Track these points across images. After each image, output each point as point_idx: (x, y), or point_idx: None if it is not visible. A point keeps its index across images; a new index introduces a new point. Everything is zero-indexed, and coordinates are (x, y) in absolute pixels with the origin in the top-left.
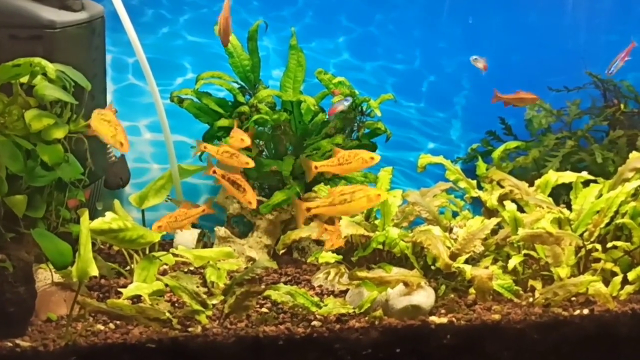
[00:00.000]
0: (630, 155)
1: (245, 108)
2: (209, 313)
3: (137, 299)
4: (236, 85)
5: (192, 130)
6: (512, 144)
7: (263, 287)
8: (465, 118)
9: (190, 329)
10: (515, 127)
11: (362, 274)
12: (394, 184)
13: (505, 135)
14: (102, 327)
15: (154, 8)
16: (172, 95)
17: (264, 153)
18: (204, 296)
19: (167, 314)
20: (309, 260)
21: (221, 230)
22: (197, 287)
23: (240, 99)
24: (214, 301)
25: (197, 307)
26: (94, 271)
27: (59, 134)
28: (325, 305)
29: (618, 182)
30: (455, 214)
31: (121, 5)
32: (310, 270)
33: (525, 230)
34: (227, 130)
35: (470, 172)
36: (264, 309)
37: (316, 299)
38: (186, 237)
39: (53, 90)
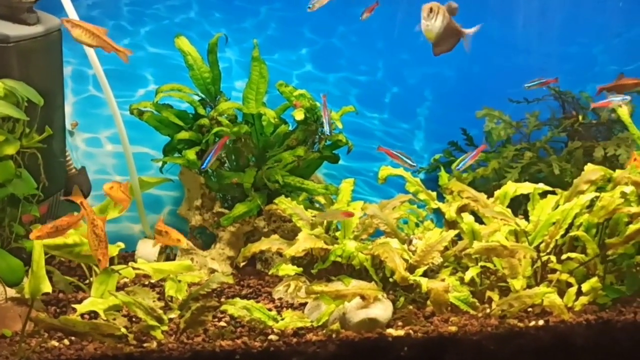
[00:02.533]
0: (586, 167)
1: (205, 121)
2: (165, 328)
3: (95, 314)
4: (197, 98)
5: (154, 142)
6: None
7: (219, 301)
8: (428, 129)
9: (145, 345)
10: (477, 138)
11: (319, 287)
12: (358, 195)
13: (467, 146)
14: (56, 344)
15: (115, 19)
16: (131, 107)
17: (225, 165)
18: (160, 311)
19: (123, 330)
20: (270, 272)
21: (184, 243)
22: (154, 301)
23: (201, 111)
24: (172, 315)
25: (152, 322)
26: (47, 288)
27: (10, 150)
28: (283, 319)
29: (573, 194)
30: (418, 225)
31: (75, 16)
32: (272, 282)
33: (480, 243)
34: (188, 143)
35: (433, 182)
36: (222, 323)
37: (273, 312)
38: (148, 250)
39: (3, 107)
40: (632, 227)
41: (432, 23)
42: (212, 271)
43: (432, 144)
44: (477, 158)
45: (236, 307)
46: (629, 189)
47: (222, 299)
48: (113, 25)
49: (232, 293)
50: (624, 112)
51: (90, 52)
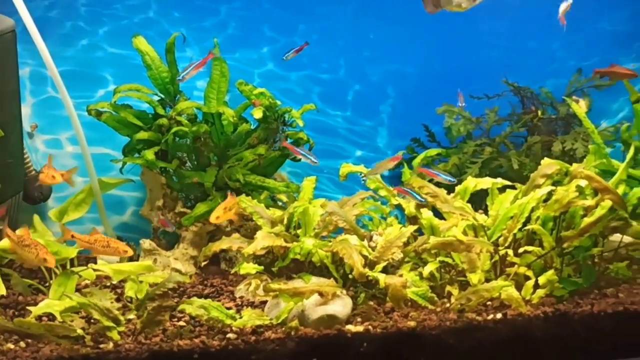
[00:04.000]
0: (542, 161)
1: (164, 120)
2: (122, 329)
3: (54, 316)
4: (156, 98)
5: (115, 143)
6: (433, 152)
7: (175, 301)
8: (391, 126)
9: (102, 346)
10: (439, 134)
11: (276, 286)
12: (323, 192)
13: (429, 142)
14: (12, 346)
15: (73, 20)
16: (89, 108)
17: (186, 164)
18: (116, 312)
19: (80, 331)
20: (232, 271)
21: (146, 243)
22: (112, 302)
23: (160, 111)
24: (131, 316)
25: (108, 323)
26: (2, 291)
27: None
28: (241, 318)
29: (530, 188)
30: (383, 221)
31: (29, 18)
32: (236, 281)
33: (437, 238)
34: (147, 143)
35: (397, 178)
36: (181, 323)
37: (232, 311)
38: None
39: None
40: (586, 220)
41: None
42: (176, 271)
43: (396, 140)
44: (391, 167)
45: (193, 307)
46: (584, 182)
47: (184, 299)
48: (71, 26)
49: (194, 292)
50: (577, 107)
51: (45, 53)
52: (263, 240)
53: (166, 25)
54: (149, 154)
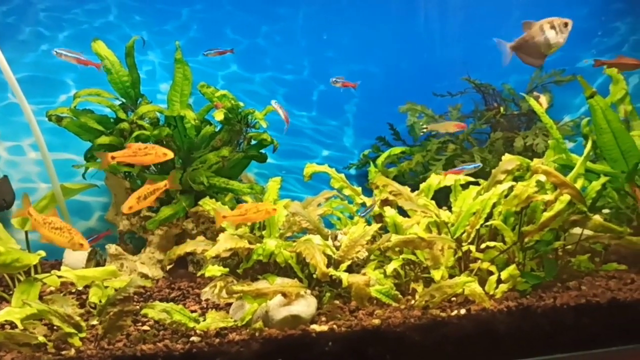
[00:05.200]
0: (503, 157)
1: (125, 125)
2: (83, 335)
3: (15, 324)
4: (118, 102)
5: (79, 148)
6: (397, 150)
7: (139, 306)
8: (356, 125)
9: (63, 352)
10: (404, 133)
11: (239, 287)
12: (290, 192)
13: (394, 141)
14: None
15: (32, 26)
16: (49, 114)
17: (150, 168)
18: (78, 318)
19: (41, 338)
20: (199, 274)
21: (112, 248)
22: (74, 308)
23: (122, 115)
24: (94, 322)
25: (70, 329)
26: None
27: None
28: (204, 320)
29: (492, 184)
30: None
31: None
32: (204, 284)
33: (398, 236)
34: (109, 148)
35: (364, 177)
36: (145, 327)
37: (195, 314)
38: (76, 257)
39: None
40: (546, 215)
41: (563, 36)
42: (142, 275)
43: (362, 139)
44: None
45: (156, 311)
46: (544, 177)
47: (149, 303)
48: (30, 32)
49: (160, 296)
50: (535, 103)
51: (0, 58)
52: (226, 242)
53: (127, 29)
54: None
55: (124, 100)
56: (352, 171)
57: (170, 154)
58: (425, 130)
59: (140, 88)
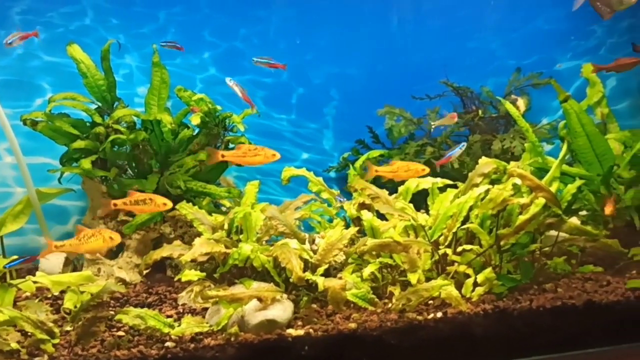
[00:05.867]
0: (480, 160)
1: (101, 129)
2: (57, 341)
3: None
4: (94, 106)
5: (56, 152)
6: (375, 153)
7: (115, 311)
8: (336, 128)
9: (36, 359)
10: (383, 135)
11: (213, 292)
12: (270, 196)
13: (374, 144)
14: None
15: (7, 29)
16: (23, 118)
17: (127, 172)
18: (51, 324)
19: (15, 345)
20: (176, 279)
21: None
22: (48, 314)
23: (97, 119)
24: (69, 327)
25: (42, 336)
26: None
27: None
28: (180, 326)
29: (468, 187)
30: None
31: None
32: (182, 288)
33: (374, 240)
34: (84, 152)
35: (344, 180)
36: (120, 332)
37: (170, 320)
38: (52, 262)
39: None
40: (521, 218)
41: None
42: (120, 280)
43: (341, 142)
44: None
45: (130, 316)
46: (520, 180)
47: (126, 308)
48: (5, 35)
49: (137, 301)
50: (510, 107)
51: None
52: (201, 247)
53: (103, 32)
54: (86, 163)
55: (100, 104)
56: (332, 174)
57: (278, 155)
58: (433, 127)
59: (116, 92)
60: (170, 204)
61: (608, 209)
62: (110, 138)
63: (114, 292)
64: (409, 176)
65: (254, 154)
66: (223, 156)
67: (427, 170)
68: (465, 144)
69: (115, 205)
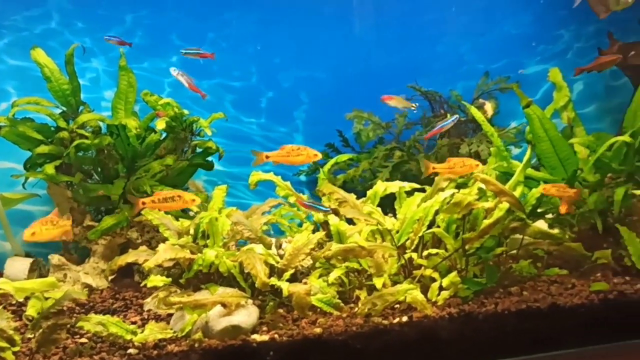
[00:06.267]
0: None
1: (65, 134)
2: (17, 349)
3: None
4: (58, 110)
5: (19, 157)
6: (343, 157)
7: (78, 317)
8: (306, 131)
9: None
10: (353, 139)
11: (176, 299)
12: (240, 200)
13: (343, 147)
14: None
15: None
16: None
17: (93, 177)
18: (11, 332)
19: None
20: (141, 285)
21: (55, 258)
22: (9, 321)
23: (62, 124)
24: (30, 335)
25: (2, 343)
26: None
27: None
28: (142, 332)
29: (434, 191)
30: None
31: None
32: (149, 294)
33: (338, 245)
34: (48, 157)
35: (314, 183)
36: (83, 339)
37: (133, 326)
38: (17, 268)
39: None
40: (485, 222)
41: None
42: (86, 286)
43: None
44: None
45: (91, 323)
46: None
47: (89, 315)
48: None
49: (103, 307)
50: (476, 111)
51: None
52: (165, 253)
53: (69, 36)
54: (49, 168)
55: (64, 109)
56: (303, 177)
57: (319, 155)
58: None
59: (81, 96)
60: (198, 200)
61: (563, 208)
62: (75, 143)
63: (75, 299)
64: (464, 172)
65: (296, 153)
66: (267, 157)
67: (482, 166)
68: (457, 117)
69: (143, 203)
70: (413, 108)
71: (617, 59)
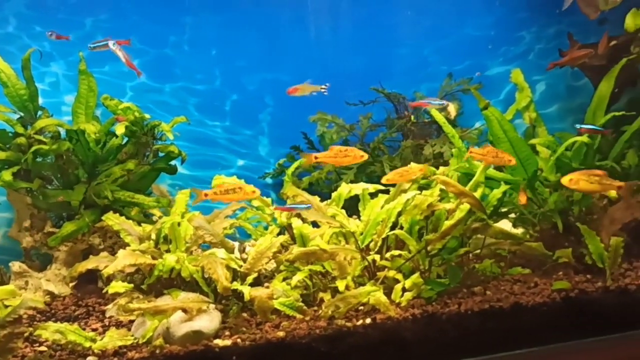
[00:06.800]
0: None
1: (22, 139)
2: None
3: None
4: (16, 116)
5: None
6: None
7: (35, 325)
8: (272, 134)
9: None
10: (318, 142)
11: (135, 305)
12: (206, 203)
13: (309, 150)
14: None
15: None
16: None
17: (53, 183)
18: None
19: None
20: (104, 291)
21: (16, 265)
22: None
23: (19, 129)
24: None
25: None
26: None
27: None
28: (102, 339)
29: (397, 192)
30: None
31: None
32: (112, 300)
33: (299, 248)
34: (6, 163)
35: (281, 186)
36: (42, 348)
37: (92, 333)
38: None
39: None
40: (447, 223)
41: None
42: (48, 293)
43: (277, 148)
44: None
45: (49, 331)
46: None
47: (46, 323)
48: None
49: (64, 314)
50: (436, 113)
51: None
52: (125, 258)
53: (27, 40)
54: (6, 175)
55: (22, 114)
56: (269, 180)
57: (365, 156)
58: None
59: (39, 101)
60: (258, 192)
61: (522, 199)
62: (32, 149)
63: (34, 307)
64: (496, 162)
65: (344, 154)
66: (316, 158)
67: (514, 161)
68: (444, 103)
69: (206, 195)
70: (323, 90)
71: (590, 52)
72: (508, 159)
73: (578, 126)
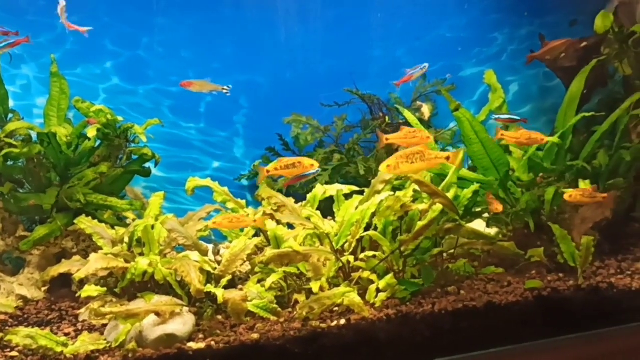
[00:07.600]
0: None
1: None
2: None
3: None
4: None
5: None
6: None
7: (1, 333)
8: (247, 136)
9: None
10: (293, 143)
11: (106, 309)
12: (182, 205)
13: (284, 151)
14: None
15: None
16: None
17: (25, 186)
18: None
19: None
20: (77, 295)
21: None
22: None
23: None
24: None
25: None
26: None
27: None
28: (74, 344)
29: (371, 194)
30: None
31: None
32: (86, 304)
33: (272, 250)
34: None
35: (256, 188)
36: (13, 353)
37: (63, 338)
38: None
39: None
40: (419, 224)
41: None
42: (21, 297)
43: (253, 150)
44: None
45: (20, 337)
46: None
47: (17, 328)
48: None
49: (37, 319)
50: (409, 114)
51: None
52: (96, 262)
53: None
54: None
55: None
56: (244, 182)
57: (431, 138)
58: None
59: (9, 104)
60: (317, 165)
61: (497, 208)
62: (3, 152)
63: (1, 313)
64: (530, 143)
65: (412, 135)
66: (387, 139)
67: (546, 139)
68: (427, 65)
69: (268, 172)
70: (225, 91)
71: (567, 42)
72: (541, 138)
73: (494, 116)
